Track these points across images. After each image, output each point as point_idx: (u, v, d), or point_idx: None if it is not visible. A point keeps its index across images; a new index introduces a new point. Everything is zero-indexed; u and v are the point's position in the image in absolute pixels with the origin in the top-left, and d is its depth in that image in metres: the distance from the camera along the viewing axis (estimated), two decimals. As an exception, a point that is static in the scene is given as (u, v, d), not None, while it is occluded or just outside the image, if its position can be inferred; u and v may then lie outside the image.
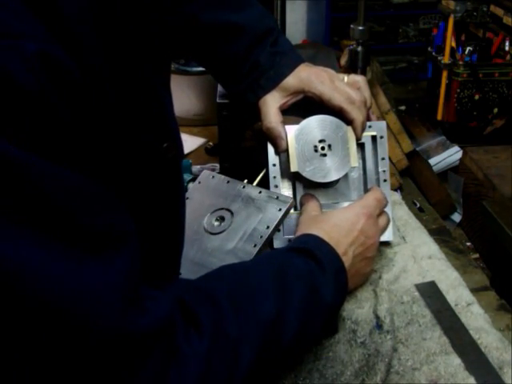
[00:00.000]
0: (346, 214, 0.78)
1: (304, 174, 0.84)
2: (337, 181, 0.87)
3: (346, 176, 0.86)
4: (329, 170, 0.85)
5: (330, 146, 0.85)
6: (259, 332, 0.58)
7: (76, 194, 0.44)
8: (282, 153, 0.86)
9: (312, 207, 0.82)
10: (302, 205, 0.84)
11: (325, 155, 0.85)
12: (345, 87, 0.85)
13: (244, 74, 0.88)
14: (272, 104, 0.86)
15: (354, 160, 0.85)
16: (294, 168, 0.84)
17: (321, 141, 0.85)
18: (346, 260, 0.73)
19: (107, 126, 0.48)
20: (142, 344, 0.48)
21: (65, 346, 0.45)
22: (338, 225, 0.75)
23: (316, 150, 0.85)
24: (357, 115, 0.84)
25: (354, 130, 0.85)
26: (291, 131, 0.85)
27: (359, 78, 0.89)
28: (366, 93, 0.88)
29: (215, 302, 0.56)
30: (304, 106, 0.88)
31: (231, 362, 0.54)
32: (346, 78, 0.88)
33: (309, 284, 0.65)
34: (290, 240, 0.83)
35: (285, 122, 0.87)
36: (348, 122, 0.85)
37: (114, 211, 0.49)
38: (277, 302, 0.60)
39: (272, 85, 0.86)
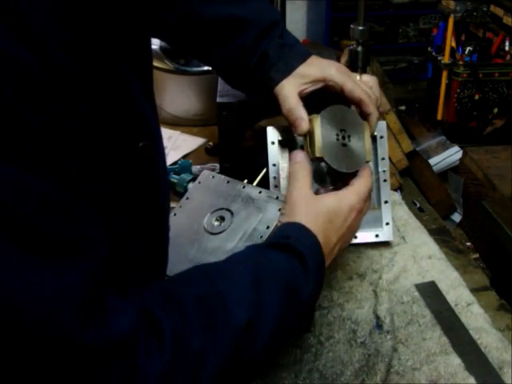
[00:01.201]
0: (341, 207, 0.74)
1: (329, 160, 0.80)
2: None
3: None
4: (349, 159, 0.81)
5: (349, 136, 0.83)
6: (229, 339, 0.56)
7: (36, 199, 0.43)
8: (302, 135, 0.83)
9: (304, 181, 0.77)
10: (290, 167, 0.79)
11: (345, 145, 0.83)
12: (360, 83, 0.85)
13: (252, 66, 0.87)
14: (290, 88, 0.84)
15: (369, 154, 0.83)
16: (318, 153, 0.80)
17: (342, 130, 0.83)
18: (331, 256, 0.72)
19: (76, 126, 0.47)
20: (101, 356, 0.47)
21: (18, 355, 0.44)
22: (332, 221, 0.73)
23: (337, 139, 0.83)
24: (374, 110, 0.84)
25: (370, 123, 0.84)
26: (317, 117, 0.82)
27: (370, 79, 0.89)
28: (377, 93, 0.88)
29: (182, 312, 0.55)
30: (316, 102, 0.87)
31: (192, 377, 0.53)
32: (358, 77, 0.88)
33: (288, 284, 0.63)
34: None
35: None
36: (365, 115, 0.84)
37: (76, 219, 0.47)
38: (250, 306, 0.58)
39: (281, 77, 0.85)
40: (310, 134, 0.82)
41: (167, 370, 0.51)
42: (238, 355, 0.57)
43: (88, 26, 0.48)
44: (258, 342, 0.59)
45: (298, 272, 0.65)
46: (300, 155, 0.79)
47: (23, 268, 0.43)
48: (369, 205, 0.80)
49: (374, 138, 0.89)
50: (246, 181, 0.87)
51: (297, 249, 0.66)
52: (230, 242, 0.81)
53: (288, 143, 0.88)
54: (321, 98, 0.86)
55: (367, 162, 0.82)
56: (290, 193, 0.77)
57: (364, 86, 0.85)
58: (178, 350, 0.52)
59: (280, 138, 0.88)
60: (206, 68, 1.29)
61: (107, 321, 0.48)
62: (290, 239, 0.68)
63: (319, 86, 0.86)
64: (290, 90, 0.85)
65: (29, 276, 0.43)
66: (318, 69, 0.85)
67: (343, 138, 0.82)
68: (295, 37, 0.91)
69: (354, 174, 0.80)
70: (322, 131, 0.81)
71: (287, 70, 0.85)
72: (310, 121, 0.82)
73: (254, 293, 0.60)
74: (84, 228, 0.48)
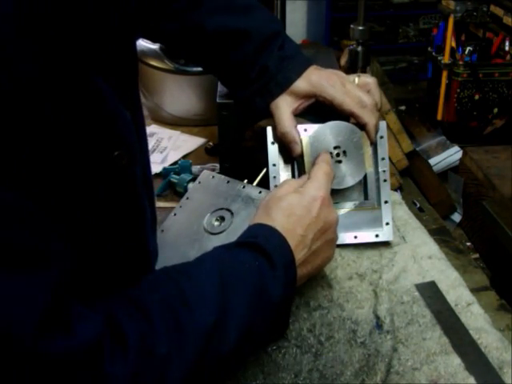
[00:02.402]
0: (301, 200, 0.73)
1: None
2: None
3: None
4: (344, 176, 0.85)
5: (344, 152, 0.85)
6: (195, 342, 0.56)
7: None
8: (296, 158, 0.86)
9: (286, 187, 0.76)
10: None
11: (340, 161, 0.85)
12: (356, 91, 0.85)
13: (252, 79, 0.88)
14: (285, 108, 0.86)
15: (369, 165, 0.86)
16: None
17: (336, 147, 0.85)
18: (301, 249, 0.70)
19: (42, 136, 0.46)
20: (65, 366, 0.47)
21: None
22: (292, 214, 0.72)
23: (331, 157, 0.85)
24: (369, 119, 0.84)
25: (367, 133, 0.84)
26: (305, 137, 0.85)
27: (370, 80, 0.88)
28: (377, 95, 0.87)
29: (147, 317, 0.55)
30: (316, 109, 0.88)
31: (158, 382, 0.53)
32: (356, 80, 0.88)
33: (256, 284, 0.63)
34: None
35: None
36: (361, 125, 0.85)
37: (38, 229, 0.47)
38: (216, 307, 0.58)
39: (280, 90, 0.86)
40: (301, 157, 0.85)
41: (133, 377, 0.51)
42: (205, 357, 0.57)
43: (54, 33, 0.47)
44: (225, 342, 0.58)
45: (265, 271, 0.64)
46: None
47: None
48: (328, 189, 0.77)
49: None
50: (246, 181, 0.87)
51: (263, 247, 0.66)
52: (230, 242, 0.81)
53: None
54: (323, 107, 0.87)
55: (368, 172, 0.85)
56: (269, 193, 0.78)
57: (359, 92, 0.85)
58: (144, 357, 0.52)
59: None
60: (205, 68, 1.29)
61: (71, 331, 0.48)
62: (258, 238, 0.67)
63: (311, 101, 0.87)
64: (283, 111, 0.86)
65: None
66: (309, 83, 0.86)
67: (337, 155, 0.84)
68: (297, 45, 0.91)
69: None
70: (312, 154, 0.84)
71: (285, 84, 0.86)
72: (301, 143, 0.84)
73: (219, 293, 0.59)
74: (47, 238, 0.48)
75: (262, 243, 0.66)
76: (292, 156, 0.86)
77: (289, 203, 0.73)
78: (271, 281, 0.64)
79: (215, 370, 0.60)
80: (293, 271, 0.68)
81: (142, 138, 0.68)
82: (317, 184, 0.75)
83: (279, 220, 0.71)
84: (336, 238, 0.77)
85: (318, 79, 0.86)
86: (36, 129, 0.46)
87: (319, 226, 0.72)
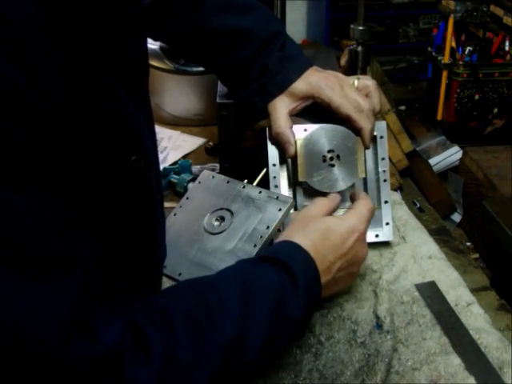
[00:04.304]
0: (340, 228, 0.74)
1: (311, 183, 0.85)
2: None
3: None
4: (336, 180, 0.85)
5: (338, 156, 0.85)
6: (217, 354, 0.56)
7: (21, 216, 0.43)
8: (290, 158, 0.86)
9: (319, 207, 0.77)
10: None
11: (333, 165, 0.85)
12: (354, 94, 0.84)
13: (252, 78, 0.88)
14: (281, 109, 0.86)
15: (362, 170, 0.86)
16: (301, 178, 0.85)
17: (329, 151, 0.85)
18: (326, 275, 0.70)
19: (65, 143, 0.47)
20: (88, 371, 0.47)
21: (5, 373, 0.44)
22: (328, 239, 0.72)
23: (324, 160, 0.85)
24: (365, 124, 0.84)
25: (362, 138, 0.85)
26: (300, 139, 0.85)
27: (369, 83, 0.88)
28: (376, 99, 0.87)
29: (170, 325, 0.55)
30: (313, 109, 0.88)
31: None
32: (356, 82, 0.88)
33: (277, 299, 0.63)
34: None
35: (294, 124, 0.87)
36: (356, 130, 0.85)
37: (62, 235, 0.47)
38: (239, 320, 0.58)
39: (279, 90, 0.86)
40: (295, 158, 0.84)
41: (156, 383, 0.51)
42: (226, 368, 0.57)
43: (77, 36, 0.47)
44: (246, 355, 0.59)
45: (288, 287, 0.65)
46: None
47: (10, 287, 0.43)
48: (367, 226, 0.79)
49: (374, 138, 0.89)
50: (246, 181, 0.88)
51: (286, 264, 0.66)
52: (229, 242, 0.81)
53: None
54: (320, 108, 0.87)
55: (360, 178, 0.86)
56: (301, 210, 0.78)
57: (357, 96, 0.84)
58: (167, 363, 0.52)
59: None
60: (205, 68, 1.29)
61: (94, 336, 0.48)
62: (280, 254, 0.68)
63: (309, 102, 0.87)
64: (280, 111, 0.86)
65: (15, 295, 0.43)
66: (307, 85, 0.86)
67: (331, 158, 0.84)
68: (297, 46, 0.91)
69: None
70: (305, 156, 0.85)
71: (285, 84, 0.86)
72: (296, 144, 0.85)
73: (242, 307, 0.60)
74: (70, 244, 0.48)
75: (285, 259, 0.66)
76: (286, 156, 0.86)
77: (327, 227, 0.73)
78: (292, 297, 0.64)
79: (236, 379, 0.60)
80: (317, 290, 0.69)
81: (153, 141, 0.68)
82: (359, 217, 0.76)
83: (314, 241, 0.71)
84: (358, 272, 0.78)
85: (317, 81, 0.86)
86: (58, 135, 0.46)
87: (348, 258, 0.73)
